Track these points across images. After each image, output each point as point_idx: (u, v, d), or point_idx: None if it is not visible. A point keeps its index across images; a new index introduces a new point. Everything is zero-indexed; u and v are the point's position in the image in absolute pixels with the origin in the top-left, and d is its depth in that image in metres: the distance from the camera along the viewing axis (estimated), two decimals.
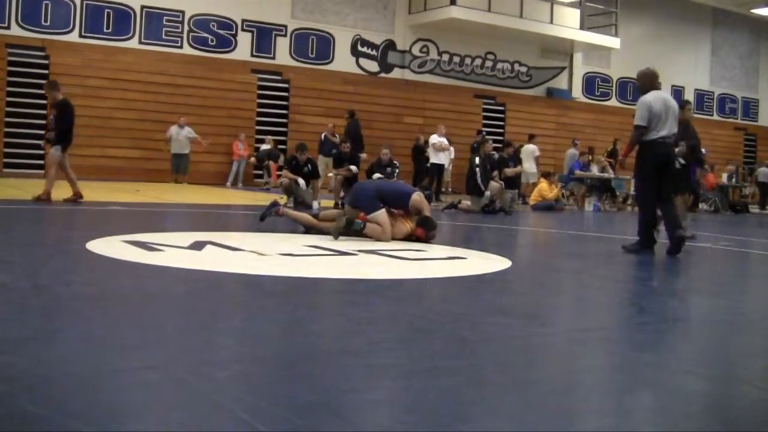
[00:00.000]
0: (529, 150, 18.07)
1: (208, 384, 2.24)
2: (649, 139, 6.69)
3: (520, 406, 2.23)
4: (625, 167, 7.17)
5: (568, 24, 21.65)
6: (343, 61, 19.93)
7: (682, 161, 8.23)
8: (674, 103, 6.88)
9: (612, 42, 22.46)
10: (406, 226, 6.72)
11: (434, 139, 16.05)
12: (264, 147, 18.15)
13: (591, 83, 24.70)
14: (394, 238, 6.60)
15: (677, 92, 26.62)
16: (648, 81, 6.86)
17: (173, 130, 16.93)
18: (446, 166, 20.68)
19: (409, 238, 6.70)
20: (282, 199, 11.85)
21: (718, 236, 9.85)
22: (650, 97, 6.73)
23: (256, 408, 2.04)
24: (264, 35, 18.97)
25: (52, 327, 2.95)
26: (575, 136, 21.60)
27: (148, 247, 5.30)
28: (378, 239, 6.50)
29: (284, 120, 19.27)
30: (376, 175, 11.61)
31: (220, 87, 18.20)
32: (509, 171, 14.07)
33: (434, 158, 15.96)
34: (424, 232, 6.65)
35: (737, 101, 28.21)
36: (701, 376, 2.72)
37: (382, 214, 6.61)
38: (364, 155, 14.19)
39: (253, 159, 18.10)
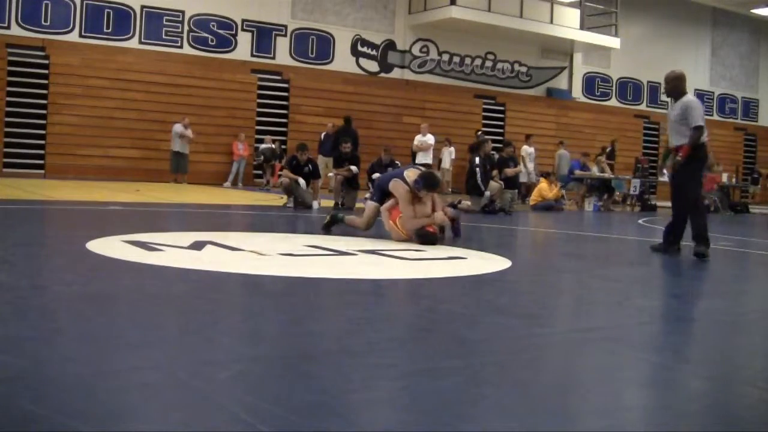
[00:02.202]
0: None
1: (208, 384, 2.24)
2: (702, 142, 6.58)
3: (520, 406, 2.23)
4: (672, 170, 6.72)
5: (568, 24, 21.65)
6: (343, 61, 19.94)
7: None
8: None
9: (612, 42, 22.47)
10: (402, 233, 6.64)
11: (416, 140, 15.72)
12: (264, 146, 18.16)
13: (591, 83, 24.70)
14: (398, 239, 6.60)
15: None
16: (681, 83, 6.71)
17: (178, 127, 16.93)
18: (448, 164, 20.64)
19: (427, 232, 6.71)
20: (282, 199, 11.86)
21: (718, 236, 9.85)
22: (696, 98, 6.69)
23: (256, 408, 2.04)
24: (264, 35, 18.98)
25: (52, 327, 2.95)
26: (575, 136, 21.63)
27: (148, 247, 5.30)
28: (356, 227, 7.06)
29: (284, 120, 19.28)
30: (376, 175, 11.60)
31: (220, 87, 18.21)
32: (509, 171, 14.05)
33: (420, 158, 15.57)
34: (420, 242, 6.60)
35: (737, 101, 28.22)
36: (701, 376, 2.72)
37: (367, 206, 7.11)
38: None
39: (261, 158, 18.07)
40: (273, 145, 18.21)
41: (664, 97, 26.50)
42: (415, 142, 15.71)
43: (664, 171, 16.27)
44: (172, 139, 17.01)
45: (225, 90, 18.30)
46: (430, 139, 15.67)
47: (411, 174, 6.79)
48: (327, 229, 7.14)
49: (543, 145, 20.72)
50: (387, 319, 3.48)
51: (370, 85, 20.21)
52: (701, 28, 26.85)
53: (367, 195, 7.41)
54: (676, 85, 6.70)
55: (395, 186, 6.73)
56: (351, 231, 7.13)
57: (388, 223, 6.75)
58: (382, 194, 6.97)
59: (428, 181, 6.63)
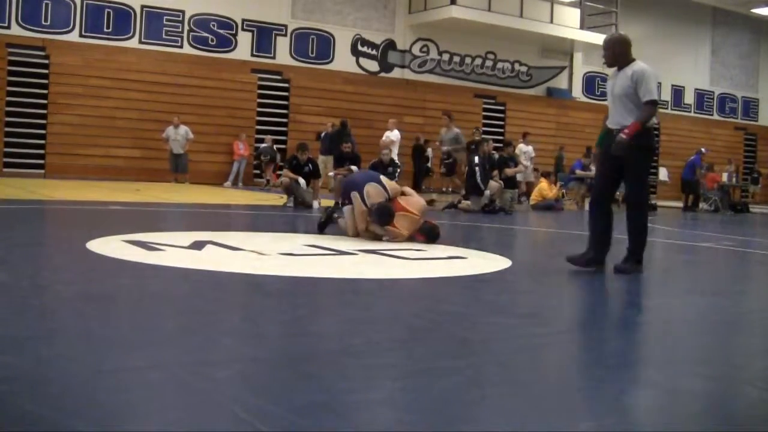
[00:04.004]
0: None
1: (208, 384, 2.24)
2: (651, 125, 5.15)
3: (520, 406, 2.23)
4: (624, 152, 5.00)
5: (568, 24, 21.65)
6: (343, 61, 19.93)
7: None
8: None
9: None
10: (402, 231, 6.61)
11: (384, 135, 14.96)
12: (265, 146, 18.19)
13: (591, 83, 24.69)
14: (395, 240, 6.57)
15: (677, 92, 26.60)
16: (626, 49, 5.25)
17: (170, 130, 16.95)
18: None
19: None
20: (282, 198, 11.86)
21: (719, 236, 9.85)
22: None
23: (256, 408, 2.04)
24: (264, 35, 18.98)
25: (52, 327, 2.95)
26: (575, 136, 21.61)
27: (148, 246, 5.30)
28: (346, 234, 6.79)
29: (284, 120, 19.27)
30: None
31: (220, 87, 18.20)
32: (509, 171, 14.05)
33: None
34: (425, 238, 6.61)
35: (737, 101, 28.21)
36: (701, 376, 2.71)
37: (346, 210, 6.84)
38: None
39: (268, 157, 18.08)
40: (268, 144, 18.24)
41: (665, 96, 26.49)
42: (383, 138, 15.21)
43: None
44: (168, 142, 17.00)
45: (225, 90, 18.30)
46: (394, 135, 15.17)
47: (371, 191, 6.64)
48: (321, 229, 7.10)
49: (543, 144, 20.72)
50: (387, 319, 3.48)
51: (370, 84, 20.20)
52: (701, 28, 26.84)
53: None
54: (619, 52, 5.25)
55: (355, 197, 6.69)
56: None
57: (380, 228, 6.65)
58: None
59: (381, 217, 6.50)
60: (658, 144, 25.68)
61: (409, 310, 3.76)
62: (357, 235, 6.73)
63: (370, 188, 6.67)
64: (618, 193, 18.06)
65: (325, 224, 7.12)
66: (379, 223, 6.52)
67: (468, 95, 21.79)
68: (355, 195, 6.66)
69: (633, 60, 5.20)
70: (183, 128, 17.01)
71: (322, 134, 16.67)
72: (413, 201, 6.79)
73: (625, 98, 5.07)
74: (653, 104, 5.01)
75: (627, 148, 4.92)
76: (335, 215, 7.15)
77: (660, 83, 4.80)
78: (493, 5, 20.01)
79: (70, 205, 9.49)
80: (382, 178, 7.02)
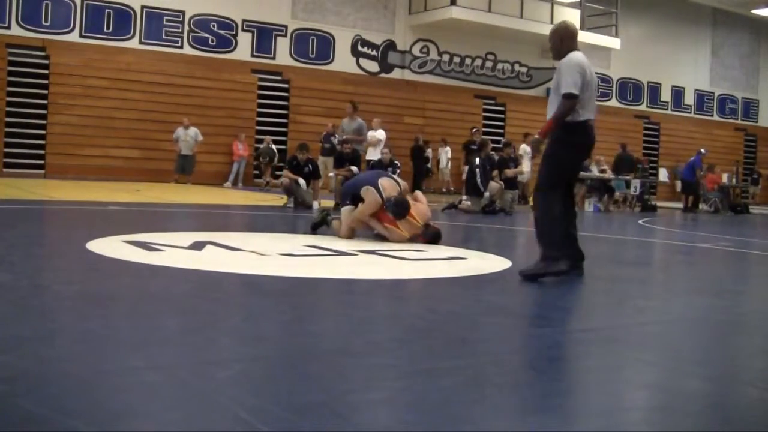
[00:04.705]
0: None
1: (208, 384, 2.24)
2: (577, 121, 4.78)
3: (520, 406, 2.23)
4: (539, 151, 5.03)
5: None
6: (343, 61, 19.94)
7: None
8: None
9: (612, 42, 22.47)
10: (404, 233, 6.59)
11: (369, 135, 14.71)
12: (263, 146, 18.21)
13: None
14: (394, 240, 6.56)
15: (677, 92, 26.61)
16: (565, 41, 4.86)
17: (179, 131, 16.99)
18: (445, 164, 20.71)
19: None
20: (282, 199, 11.86)
21: (718, 236, 9.85)
22: (581, 57, 4.78)
23: (256, 408, 2.04)
24: (264, 35, 18.99)
25: (52, 327, 2.95)
26: None
27: (148, 247, 5.30)
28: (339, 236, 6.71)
29: (284, 120, 19.28)
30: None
31: (220, 87, 18.22)
32: (509, 172, 14.05)
33: (370, 154, 14.00)
34: (427, 242, 6.60)
35: (737, 102, 28.22)
36: (701, 376, 2.71)
37: (343, 210, 6.80)
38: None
39: (267, 159, 18.10)
40: (266, 145, 18.28)
41: (665, 97, 26.46)
42: (368, 138, 14.98)
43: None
44: (177, 143, 17.05)
45: (225, 90, 18.31)
46: (380, 134, 15.01)
47: (386, 185, 6.63)
48: (314, 229, 7.06)
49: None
50: (387, 319, 3.48)
51: (371, 85, 20.21)
52: (701, 29, 26.85)
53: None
54: (558, 43, 4.88)
55: (367, 193, 6.59)
56: None
57: (381, 226, 6.68)
58: (355, 198, 6.76)
59: (398, 209, 6.45)
60: (659, 145, 25.75)
61: (409, 310, 3.76)
62: (349, 237, 6.68)
63: (385, 182, 6.69)
64: (618, 193, 17.85)
65: (319, 225, 7.09)
66: (395, 215, 6.48)
67: (468, 96, 21.80)
68: (369, 189, 6.58)
69: (572, 51, 4.81)
70: (193, 129, 17.06)
71: (323, 136, 16.57)
72: (420, 208, 6.76)
73: (553, 94, 4.79)
74: (568, 98, 4.62)
75: (540, 148, 4.84)
76: (329, 217, 7.09)
77: (584, 75, 4.31)
78: (493, 6, 20.03)
79: (70, 205, 9.49)
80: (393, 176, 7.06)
